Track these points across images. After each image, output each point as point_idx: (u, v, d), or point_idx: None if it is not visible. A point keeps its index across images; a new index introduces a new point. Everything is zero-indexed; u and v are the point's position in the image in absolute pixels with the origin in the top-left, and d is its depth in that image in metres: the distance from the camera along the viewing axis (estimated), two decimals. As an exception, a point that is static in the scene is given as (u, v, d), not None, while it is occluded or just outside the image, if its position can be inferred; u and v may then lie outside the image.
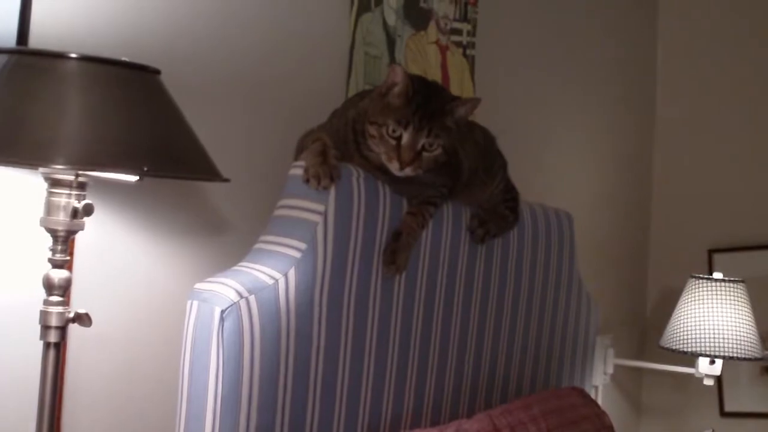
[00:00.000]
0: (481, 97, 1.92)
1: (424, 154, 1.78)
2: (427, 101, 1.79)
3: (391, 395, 1.95)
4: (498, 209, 2.19)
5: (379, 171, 1.84)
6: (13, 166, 1.49)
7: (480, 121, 2.63)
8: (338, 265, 1.78)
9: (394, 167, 1.77)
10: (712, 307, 3.02)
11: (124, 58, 1.43)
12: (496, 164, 2.16)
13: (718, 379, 3.32)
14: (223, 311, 1.58)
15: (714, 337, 2.98)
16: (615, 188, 3.51)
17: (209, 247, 1.91)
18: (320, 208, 1.75)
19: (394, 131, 1.76)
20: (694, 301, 3.06)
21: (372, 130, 1.77)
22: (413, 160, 1.77)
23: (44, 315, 1.46)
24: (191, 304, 1.61)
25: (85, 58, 1.38)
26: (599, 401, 2.94)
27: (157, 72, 1.48)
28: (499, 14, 2.75)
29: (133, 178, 1.49)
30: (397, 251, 1.87)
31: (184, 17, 1.84)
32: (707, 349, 2.98)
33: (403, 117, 1.76)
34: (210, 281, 1.63)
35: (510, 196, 2.22)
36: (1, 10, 1.53)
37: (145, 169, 1.35)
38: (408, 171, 1.78)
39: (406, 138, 1.76)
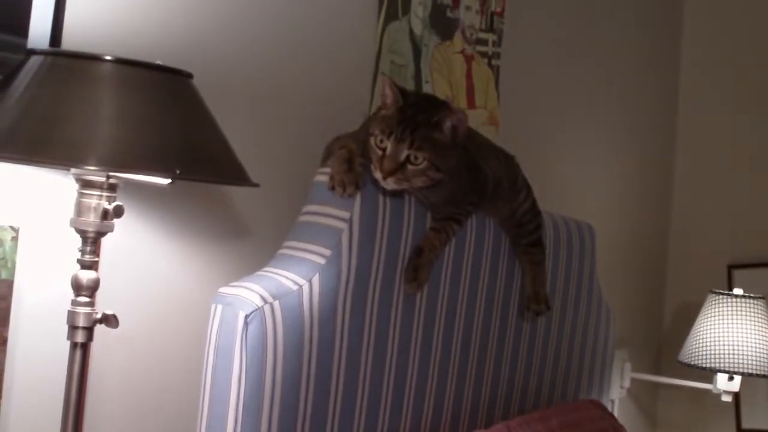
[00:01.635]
0: (464, 110, 1.89)
1: (409, 167, 1.75)
2: (416, 114, 1.76)
3: (410, 404, 1.94)
4: (522, 247, 2.20)
5: None
6: (46, 167, 1.51)
7: (504, 129, 2.65)
8: (362, 273, 1.78)
9: (378, 177, 1.75)
10: (732, 323, 3.01)
11: (158, 62, 1.44)
12: (519, 180, 2.15)
13: (736, 396, 3.31)
14: (247, 316, 1.58)
15: (733, 353, 2.97)
16: (635, 202, 3.50)
17: (234, 251, 1.92)
18: (345, 215, 1.76)
19: (381, 141, 1.75)
20: (714, 316, 3.05)
21: (369, 141, 1.78)
22: (394, 171, 1.74)
23: (72, 315, 1.47)
24: (215, 307, 1.61)
25: (119, 61, 1.39)
26: (615, 415, 2.93)
27: (189, 76, 1.49)
28: (525, 25, 2.75)
29: (164, 181, 1.50)
30: (418, 268, 1.87)
31: (215, 24, 1.85)
32: (726, 365, 2.97)
33: (387, 127, 1.74)
34: (235, 285, 1.63)
35: (534, 224, 2.19)
36: (35, 12, 1.54)
37: (178, 172, 1.36)
38: (390, 182, 1.75)
39: (389, 148, 1.74)
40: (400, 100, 1.77)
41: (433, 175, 1.78)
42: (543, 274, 2.24)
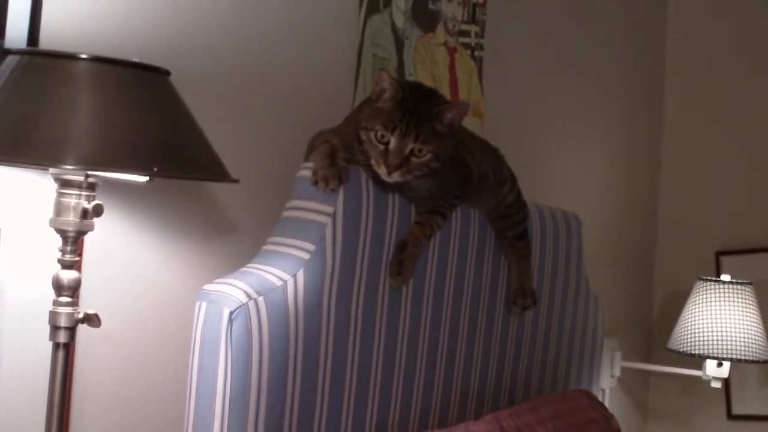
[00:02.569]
0: (469, 103, 1.89)
1: (413, 159, 1.76)
2: (416, 106, 1.77)
3: (399, 397, 1.94)
4: (508, 240, 2.19)
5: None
6: (24, 167, 1.50)
7: (488, 121, 2.64)
8: (347, 267, 1.78)
9: (382, 172, 1.76)
10: (720, 310, 3.02)
11: (134, 59, 1.44)
12: (504, 172, 2.15)
13: (726, 382, 3.31)
14: (231, 312, 1.58)
15: (722, 340, 2.98)
16: (622, 190, 3.50)
17: (218, 248, 1.92)
18: (329, 209, 1.75)
19: (382, 136, 1.75)
20: (702, 303, 3.06)
21: (363, 135, 1.77)
22: (400, 165, 1.75)
23: (54, 315, 1.47)
24: (200, 305, 1.61)
25: (95, 59, 1.38)
26: (606, 404, 2.94)
27: (167, 73, 1.48)
28: (508, 16, 2.75)
29: (142, 179, 1.49)
30: (403, 262, 1.87)
31: (193, 19, 1.85)
32: (715, 351, 2.98)
33: (390, 122, 1.75)
34: (219, 282, 1.63)
35: (520, 216, 2.19)
36: (12, 11, 1.54)
37: (156, 169, 1.35)
38: (396, 176, 1.76)
39: (393, 143, 1.74)
40: (399, 94, 1.78)
41: (434, 165, 1.79)
42: (529, 268, 2.24)
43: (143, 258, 1.78)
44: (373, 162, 1.77)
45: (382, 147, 1.75)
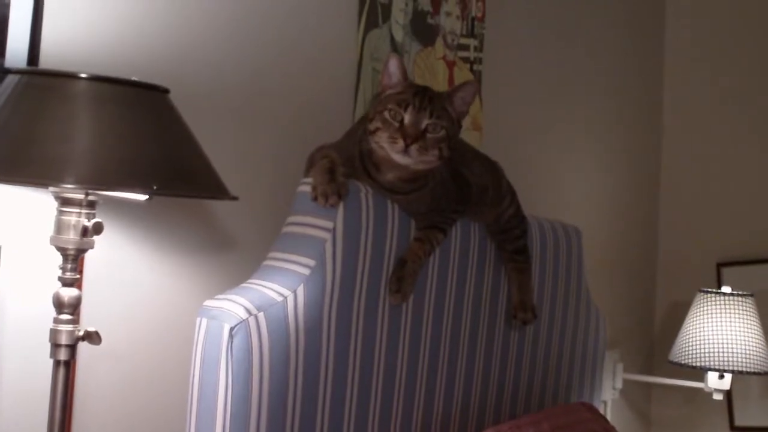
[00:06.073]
0: (475, 82, 1.91)
1: (428, 135, 1.76)
2: (426, 89, 1.81)
3: (399, 412, 1.94)
4: (508, 254, 2.20)
5: (386, 190, 1.84)
6: (24, 185, 1.51)
7: (487, 134, 2.65)
8: (347, 282, 1.78)
9: (398, 149, 1.73)
10: (721, 321, 3.02)
11: (133, 78, 1.44)
12: (503, 186, 2.15)
13: (728, 394, 3.32)
14: (232, 328, 1.58)
15: (723, 351, 2.98)
16: (623, 202, 3.51)
17: (218, 264, 1.92)
18: (329, 224, 1.76)
19: (395, 115, 1.75)
20: (703, 315, 3.06)
21: (373, 124, 1.76)
22: (417, 138, 1.73)
23: (54, 333, 1.47)
24: (200, 321, 1.61)
25: (95, 78, 1.39)
26: (608, 416, 2.94)
27: (166, 91, 1.49)
28: (506, 30, 2.76)
29: (142, 197, 1.50)
30: (402, 279, 1.87)
31: (193, 37, 1.86)
32: (716, 363, 2.98)
33: (403, 99, 1.76)
34: (219, 298, 1.63)
35: (519, 230, 2.20)
36: (12, 31, 1.54)
37: (155, 187, 1.36)
38: (413, 151, 1.73)
39: (408, 118, 1.74)
40: (408, 78, 1.81)
41: (445, 151, 1.78)
42: (529, 281, 2.24)
43: (144, 275, 1.78)
44: (387, 143, 1.74)
45: (396, 124, 1.75)
